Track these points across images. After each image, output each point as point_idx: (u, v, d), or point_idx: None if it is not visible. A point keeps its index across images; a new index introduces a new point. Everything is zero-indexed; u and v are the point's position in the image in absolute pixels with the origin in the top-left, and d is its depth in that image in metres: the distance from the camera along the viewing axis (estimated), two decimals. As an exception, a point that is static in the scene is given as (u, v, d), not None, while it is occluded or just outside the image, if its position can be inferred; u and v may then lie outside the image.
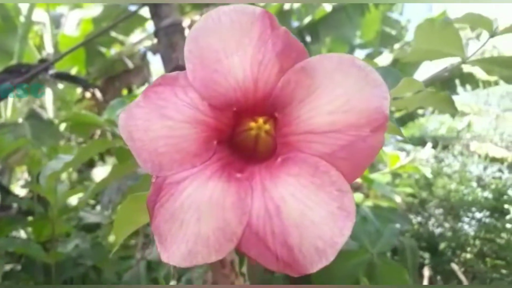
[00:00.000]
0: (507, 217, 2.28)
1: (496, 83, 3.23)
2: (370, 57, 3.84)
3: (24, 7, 2.65)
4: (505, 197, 2.34)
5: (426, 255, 2.57)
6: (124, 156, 0.93)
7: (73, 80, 2.12)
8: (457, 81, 3.22)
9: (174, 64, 1.17)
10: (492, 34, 0.78)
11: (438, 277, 2.51)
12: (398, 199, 2.09)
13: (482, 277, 2.17)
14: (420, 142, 3.73)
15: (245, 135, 0.45)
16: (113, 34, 3.26)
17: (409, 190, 2.81)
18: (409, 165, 1.77)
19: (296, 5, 3.42)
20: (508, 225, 2.23)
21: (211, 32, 0.38)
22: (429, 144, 3.58)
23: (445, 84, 3.19)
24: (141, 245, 1.63)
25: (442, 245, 2.54)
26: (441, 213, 2.75)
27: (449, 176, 2.88)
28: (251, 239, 0.35)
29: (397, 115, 3.65)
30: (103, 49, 3.39)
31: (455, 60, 0.82)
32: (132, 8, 2.93)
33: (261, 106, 0.39)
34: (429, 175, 2.50)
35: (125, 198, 0.49)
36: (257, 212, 0.35)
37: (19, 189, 2.52)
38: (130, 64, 3.32)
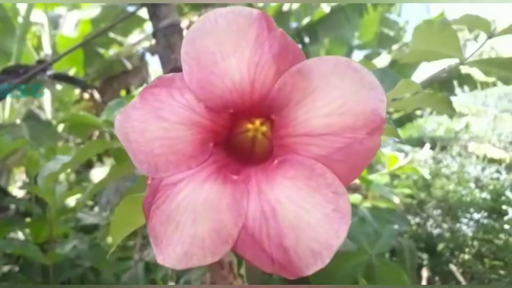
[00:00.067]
0: (505, 218, 2.28)
1: (494, 84, 3.24)
2: (368, 58, 3.84)
3: (22, 8, 2.65)
4: (503, 198, 2.34)
5: (424, 256, 2.57)
6: (122, 157, 0.93)
7: (71, 81, 2.12)
8: (455, 82, 3.23)
9: (172, 65, 1.17)
10: (490, 36, 0.78)
11: (437, 278, 2.51)
12: (396, 200, 2.09)
13: (480, 278, 2.17)
14: (418, 143, 3.74)
15: (242, 137, 0.45)
16: (112, 35, 3.26)
17: (407, 191, 2.81)
18: (408, 166, 1.77)
19: (294, 6, 3.43)
20: (506, 226, 2.23)
21: (207, 34, 0.38)
22: (427, 145, 3.58)
23: (443, 85, 3.19)
24: (139, 246, 1.63)
25: (440, 246, 2.54)
26: (439, 214, 2.75)
27: (447, 177, 2.88)
28: (246, 241, 0.35)
29: (395, 116, 3.66)
30: (101, 50, 3.39)
31: (453, 61, 0.82)
32: (131, 9, 2.93)
33: (258, 108, 0.39)
34: (427, 176, 2.49)
35: (123, 199, 0.49)
36: (253, 214, 0.35)
37: (17, 190, 2.52)
38: (129, 65, 3.32)
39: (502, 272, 2.07)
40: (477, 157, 3.05)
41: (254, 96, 0.38)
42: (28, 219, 1.63)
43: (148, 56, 3.46)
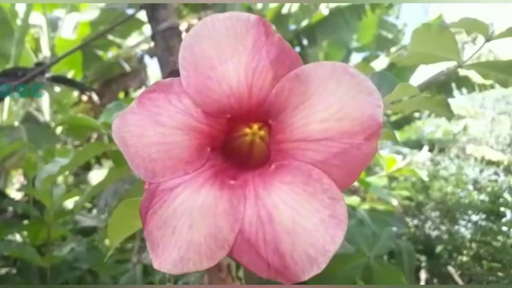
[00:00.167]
0: (503, 220, 2.28)
1: (492, 87, 3.25)
2: (366, 61, 3.85)
3: (21, 10, 2.65)
4: (501, 200, 2.35)
5: (423, 258, 2.58)
6: (120, 160, 0.93)
7: (69, 83, 2.12)
8: (453, 85, 3.24)
9: (171, 68, 1.17)
10: (488, 39, 0.78)
11: (435, 280, 2.51)
12: (394, 202, 2.09)
13: (478, 280, 2.17)
14: (416, 145, 3.75)
15: (240, 141, 0.45)
16: (110, 37, 3.26)
17: (405, 193, 2.81)
18: (406, 168, 1.77)
19: (293, 9, 3.43)
20: (504, 228, 2.23)
21: (205, 39, 0.39)
22: (426, 147, 3.59)
23: (441, 87, 3.20)
24: (137, 248, 1.63)
25: (438, 248, 2.55)
26: (438, 216, 2.75)
27: (446, 179, 2.88)
28: (243, 246, 0.35)
29: (394, 118, 3.67)
30: (100, 52, 3.39)
31: (451, 64, 0.82)
32: (130, 11, 2.93)
33: (255, 113, 0.39)
34: (426, 178, 2.50)
35: (121, 202, 0.49)
36: (249, 219, 0.35)
37: (14, 193, 2.51)
38: (127, 67, 3.32)
39: (500, 274, 2.07)
40: (475, 159, 3.05)
41: (252, 101, 0.39)
42: (25, 221, 1.63)
43: (146, 59, 3.46)
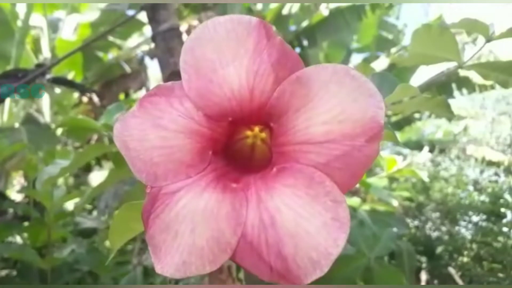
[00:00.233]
0: (504, 220, 2.28)
1: (492, 87, 3.25)
2: (367, 61, 3.85)
3: (21, 12, 2.65)
4: (502, 200, 2.34)
5: (423, 259, 2.57)
6: (121, 161, 0.92)
7: (70, 84, 2.12)
8: (453, 85, 3.24)
9: (171, 69, 1.17)
10: (488, 39, 0.78)
11: (435, 281, 2.50)
12: (395, 203, 2.09)
13: (479, 281, 2.17)
14: (417, 146, 3.74)
15: (241, 144, 0.45)
16: (111, 38, 3.26)
17: (406, 194, 2.81)
18: (406, 169, 1.77)
19: (294, 10, 3.44)
20: (504, 229, 2.23)
21: (206, 42, 0.39)
22: (426, 148, 3.58)
23: (441, 88, 3.20)
24: (138, 250, 1.63)
25: (439, 249, 2.54)
26: (438, 217, 2.75)
27: (446, 180, 2.88)
28: (245, 249, 0.35)
29: (394, 119, 3.67)
30: (100, 54, 3.39)
31: (452, 64, 0.82)
32: (130, 12, 2.93)
33: (257, 116, 0.39)
34: (426, 179, 2.50)
35: (121, 203, 0.49)
36: (252, 222, 0.35)
37: (15, 194, 2.51)
38: (128, 69, 3.32)
39: (500, 275, 2.07)
40: (476, 160, 3.05)
41: (253, 104, 0.38)
42: (26, 223, 1.63)
43: (147, 60, 3.46)
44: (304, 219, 0.34)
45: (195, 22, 3.02)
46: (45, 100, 2.87)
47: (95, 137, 2.93)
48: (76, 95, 3.39)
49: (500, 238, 2.20)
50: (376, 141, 0.34)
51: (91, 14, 3.30)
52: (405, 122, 3.82)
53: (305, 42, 3.54)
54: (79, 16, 3.46)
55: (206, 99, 0.39)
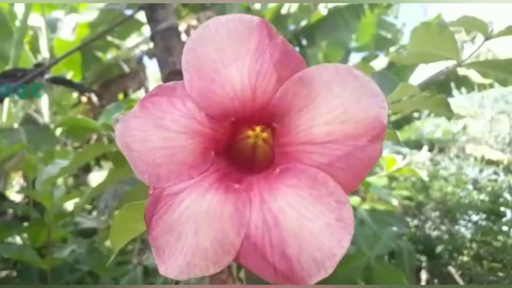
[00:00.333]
0: (503, 219, 2.28)
1: (491, 86, 3.25)
2: (365, 61, 3.85)
3: (19, 12, 2.65)
4: (501, 199, 2.34)
5: (423, 258, 2.57)
6: (120, 161, 0.93)
7: (69, 84, 2.12)
8: (452, 84, 3.24)
9: (170, 68, 1.17)
10: (487, 37, 0.78)
11: (435, 280, 2.51)
12: (395, 202, 2.09)
13: (479, 280, 2.17)
14: (416, 145, 3.75)
15: (243, 144, 0.45)
16: (109, 38, 3.26)
17: (405, 193, 2.81)
18: (406, 168, 1.77)
19: (292, 9, 3.43)
20: (504, 228, 2.23)
21: (208, 42, 0.38)
22: (425, 147, 3.59)
23: (440, 87, 3.20)
24: (138, 250, 1.63)
25: (439, 248, 2.55)
26: (438, 216, 2.75)
27: (446, 179, 2.88)
28: (249, 250, 0.35)
29: (393, 118, 3.67)
30: (99, 54, 3.39)
31: (451, 63, 0.82)
32: (129, 12, 2.93)
33: (259, 116, 0.39)
34: (426, 178, 2.50)
35: (121, 203, 0.49)
36: (255, 223, 0.35)
37: (14, 195, 2.51)
38: (126, 69, 3.32)
39: (500, 274, 2.07)
40: (475, 158, 3.05)
41: (256, 104, 0.38)
42: (26, 224, 1.63)
43: (146, 60, 3.46)
44: (308, 220, 0.33)
45: (194, 22, 3.01)
46: (44, 101, 2.86)
47: (94, 137, 2.93)
48: (75, 95, 3.39)
49: (500, 237, 2.21)
50: (379, 141, 0.34)
51: (89, 14, 3.30)
52: (405, 121, 3.82)
53: (304, 42, 3.54)
54: (77, 16, 3.45)
55: (208, 99, 0.39)
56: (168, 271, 0.36)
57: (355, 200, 1.92)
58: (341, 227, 0.33)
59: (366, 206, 1.96)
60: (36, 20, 3.19)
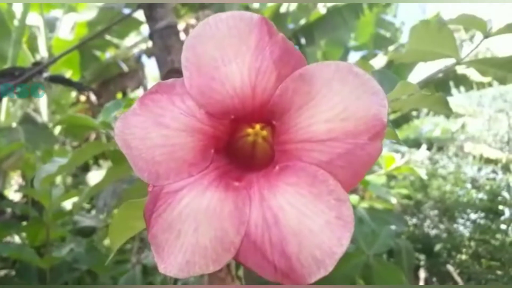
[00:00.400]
0: (502, 218, 2.29)
1: (490, 85, 3.26)
2: (364, 59, 3.85)
3: (18, 11, 2.64)
4: (500, 198, 2.35)
5: (422, 256, 2.58)
6: (119, 159, 0.93)
7: (67, 82, 2.11)
8: (451, 83, 3.24)
9: (169, 67, 1.17)
10: (486, 35, 0.78)
11: (434, 279, 2.51)
12: (393, 200, 2.09)
13: (477, 278, 2.18)
14: (415, 144, 3.75)
15: (242, 142, 0.45)
16: (108, 37, 3.25)
17: (404, 191, 2.82)
18: (405, 167, 1.78)
19: (291, 8, 3.43)
20: (502, 226, 2.23)
21: (208, 39, 0.38)
22: (424, 146, 3.59)
23: (439, 85, 3.21)
24: (137, 249, 1.62)
25: (437, 247, 2.55)
26: (436, 215, 2.76)
27: (444, 178, 2.89)
28: (249, 249, 0.35)
29: (392, 117, 3.67)
30: (97, 53, 3.38)
31: (449, 62, 0.83)
32: (127, 11, 2.93)
33: (259, 114, 0.39)
34: (424, 177, 2.50)
35: (120, 202, 0.48)
36: (255, 221, 0.35)
37: (13, 194, 2.51)
38: (125, 68, 3.31)
39: (499, 272, 2.08)
40: (474, 157, 3.06)
41: (256, 101, 0.38)
42: (24, 223, 1.62)
43: (144, 59, 3.45)
44: (308, 218, 0.33)
45: (192, 21, 3.01)
46: (42, 100, 2.85)
47: (93, 136, 2.93)
48: (73, 94, 3.38)
49: (498, 236, 2.21)
50: (379, 139, 0.34)
51: (88, 13, 3.29)
52: (403, 120, 3.83)
53: (303, 41, 3.54)
54: (76, 15, 3.45)
55: (208, 97, 0.39)
56: (168, 269, 0.36)
57: (354, 198, 1.92)
58: (341, 225, 0.32)
59: (364, 204, 1.96)
60: (34, 19, 3.18)
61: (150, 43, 2.67)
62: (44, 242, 1.47)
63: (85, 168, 2.83)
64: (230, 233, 0.35)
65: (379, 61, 3.25)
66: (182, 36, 1.36)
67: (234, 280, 0.91)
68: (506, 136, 3.23)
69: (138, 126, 0.40)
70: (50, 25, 3.40)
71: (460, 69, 2.98)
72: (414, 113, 3.80)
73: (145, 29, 3.48)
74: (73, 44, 2.79)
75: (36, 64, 1.68)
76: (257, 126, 0.44)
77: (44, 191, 1.35)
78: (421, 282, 2.45)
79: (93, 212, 2.21)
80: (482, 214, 2.42)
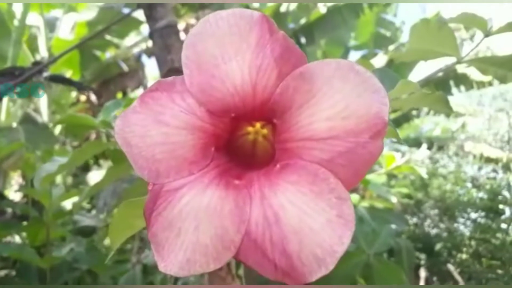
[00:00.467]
0: (502, 217, 2.29)
1: (490, 84, 3.26)
2: (365, 59, 3.85)
3: (18, 11, 2.64)
4: (500, 197, 2.35)
5: (422, 256, 2.58)
6: (119, 158, 0.93)
7: (67, 82, 2.11)
8: (451, 82, 3.24)
9: (169, 66, 1.17)
10: (487, 34, 0.78)
11: (434, 278, 2.51)
12: (394, 199, 2.09)
13: (478, 278, 2.18)
14: (415, 143, 3.75)
15: (243, 140, 0.45)
16: (108, 37, 3.25)
17: (404, 190, 2.82)
18: (405, 166, 1.77)
19: (291, 7, 3.43)
20: (503, 225, 2.23)
21: (208, 37, 0.38)
22: (424, 145, 3.59)
23: (439, 85, 3.21)
24: (137, 249, 1.63)
25: (438, 246, 2.55)
26: (437, 214, 2.76)
27: (444, 177, 2.89)
28: (249, 247, 0.35)
29: (392, 116, 3.67)
30: (97, 53, 3.38)
31: (450, 61, 0.82)
32: (127, 11, 2.92)
33: (260, 112, 0.39)
34: (425, 176, 2.50)
35: (120, 201, 0.48)
36: (255, 219, 0.35)
37: (13, 194, 2.51)
38: (125, 67, 3.32)
39: (499, 271, 2.08)
40: (474, 156, 3.06)
41: (256, 99, 0.38)
42: (24, 223, 1.62)
43: (144, 58, 3.46)
44: (308, 216, 0.33)
45: (192, 21, 3.01)
46: (43, 99, 2.85)
47: (93, 136, 2.93)
48: (74, 94, 3.38)
49: (499, 235, 2.21)
50: (380, 138, 0.33)
51: (88, 13, 3.29)
52: (404, 119, 3.82)
53: (303, 40, 3.54)
54: (76, 15, 3.45)
55: (208, 95, 0.38)
56: (168, 267, 0.35)
57: (354, 197, 1.92)
58: (342, 224, 0.32)
59: (365, 203, 1.96)
60: (34, 19, 3.18)
61: (150, 43, 2.67)
62: (44, 242, 1.47)
63: (86, 168, 2.83)
64: (231, 231, 0.35)
65: (379, 60, 3.25)
66: (182, 35, 1.36)
67: (235, 279, 0.90)
68: (506, 135, 3.23)
69: (138, 124, 0.39)
70: (50, 25, 3.40)
71: (461, 68, 2.98)
72: (415, 112, 3.80)
73: (145, 28, 3.48)
74: (73, 44, 2.79)
75: (36, 63, 1.67)
76: (258, 125, 0.44)
77: (44, 191, 1.35)
78: (422, 282, 2.45)
79: (93, 211, 2.21)
80: (483, 213, 2.42)
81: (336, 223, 0.32)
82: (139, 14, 2.66)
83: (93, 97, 3.29)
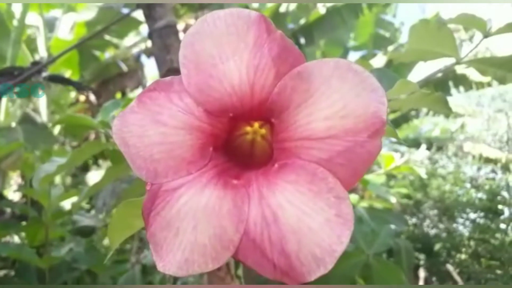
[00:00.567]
0: (501, 217, 2.29)
1: (489, 85, 3.26)
2: (364, 59, 3.85)
3: (17, 11, 2.64)
4: (499, 197, 2.35)
5: (421, 256, 2.58)
6: (118, 158, 0.92)
7: (67, 82, 2.11)
8: (450, 83, 3.25)
9: (168, 66, 1.17)
10: (486, 35, 0.78)
11: (434, 278, 2.51)
12: (393, 200, 2.09)
13: (477, 278, 2.18)
14: (414, 143, 3.75)
15: (241, 140, 0.45)
16: (107, 37, 3.25)
17: (404, 191, 2.82)
18: (404, 166, 1.77)
19: (291, 8, 3.44)
20: (502, 226, 2.23)
21: (206, 36, 0.38)
22: (423, 146, 3.59)
23: (438, 85, 3.21)
24: (136, 249, 1.62)
25: (437, 246, 2.55)
26: (436, 214, 2.76)
27: (444, 177, 2.89)
28: (248, 247, 0.34)
29: (392, 116, 3.68)
30: (97, 53, 3.38)
31: (449, 62, 0.82)
32: (127, 11, 2.92)
33: (258, 112, 0.39)
34: (424, 176, 2.50)
35: (119, 201, 0.48)
36: (254, 219, 0.35)
37: (12, 194, 2.51)
38: (124, 68, 3.32)
39: (498, 271, 2.08)
40: (473, 157, 3.06)
41: (254, 99, 0.38)
42: (23, 223, 1.62)
43: (143, 58, 3.46)
44: (307, 216, 0.33)
45: (192, 21, 3.01)
46: (42, 99, 2.85)
47: (92, 136, 2.93)
48: (73, 94, 3.38)
49: (498, 235, 2.21)
50: (378, 137, 0.33)
51: (87, 13, 3.29)
52: (403, 119, 3.83)
53: (302, 40, 3.54)
54: (75, 15, 3.45)
55: (206, 95, 0.38)
56: (166, 267, 0.35)
57: (353, 197, 1.92)
58: (340, 223, 0.32)
59: (364, 203, 1.96)
60: (34, 19, 3.19)
61: (149, 43, 2.67)
62: (43, 242, 1.47)
63: (85, 168, 2.83)
64: (229, 231, 0.35)
65: (378, 60, 3.26)
66: (181, 35, 1.36)
67: (234, 279, 0.90)
68: (505, 135, 3.23)
69: (136, 124, 0.39)
70: (49, 25, 3.40)
71: (460, 69, 2.99)
72: (414, 112, 3.81)
73: (144, 28, 3.48)
74: (72, 44, 2.79)
75: (35, 63, 1.67)
76: (256, 124, 0.44)
77: (43, 191, 1.34)
78: (421, 282, 2.44)
79: (93, 211, 2.20)
80: (482, 214, 2.42)
81: (335, 222, 0.32)
82: (139, 14, 2.66)
83: (92, 97, 3.29)
